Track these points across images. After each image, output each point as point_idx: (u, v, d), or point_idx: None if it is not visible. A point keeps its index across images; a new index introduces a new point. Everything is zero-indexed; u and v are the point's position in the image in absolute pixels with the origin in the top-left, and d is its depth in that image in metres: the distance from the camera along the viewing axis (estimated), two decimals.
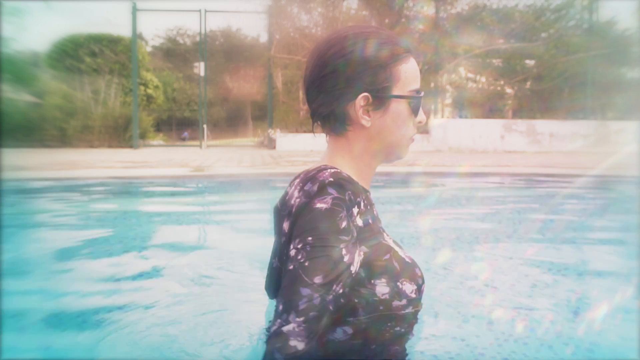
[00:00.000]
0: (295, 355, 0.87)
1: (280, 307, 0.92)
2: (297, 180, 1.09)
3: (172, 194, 4.92)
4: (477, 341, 1.22)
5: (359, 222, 1.05)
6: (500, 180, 5.95)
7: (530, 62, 14.54)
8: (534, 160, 8.74)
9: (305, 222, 0.99)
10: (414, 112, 1.14)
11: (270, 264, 1.15)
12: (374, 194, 1.18)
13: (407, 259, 1.12)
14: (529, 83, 14.60)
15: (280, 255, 1.08)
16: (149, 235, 2.89)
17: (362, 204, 1.07)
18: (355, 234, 1.02)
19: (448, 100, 15.53)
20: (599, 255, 2.34)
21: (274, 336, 0.88)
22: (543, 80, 13.96)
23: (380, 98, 1.10)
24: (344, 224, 1.00)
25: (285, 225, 1.05)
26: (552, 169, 7.00)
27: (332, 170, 1.05)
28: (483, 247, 2.33)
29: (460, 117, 14.83)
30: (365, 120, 1.10)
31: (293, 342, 0.88)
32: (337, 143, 1.15)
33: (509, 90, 15.08)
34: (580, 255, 2.33)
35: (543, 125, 12.25)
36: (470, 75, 15.29)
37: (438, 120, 12.57)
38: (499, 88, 15.04)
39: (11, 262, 2.07)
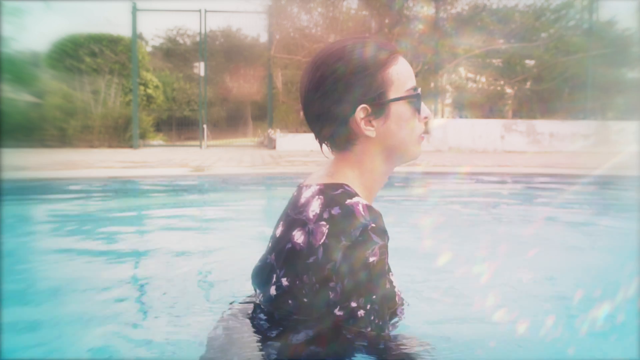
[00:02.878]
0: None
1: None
2: (316, 189, 1.08)
3: (172, 194, 4.92)
4: (476, 342, 1.22)
5: None
6: (501, 180, 5.94)
7: (530, 63, 14.51)
8: (534, 161, 8.73)
9: (362, 277, 1.00)
10: (416, 109, 1.13)
11: (265, 258, 1.13)
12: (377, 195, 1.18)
13: (394, 282, 1.15)
14: (529, 83, 14.58)
15: (286, 260, 1.06)
16: (147, 235, 2.89)
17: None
18: None
19: (448, 101, 15.53)
20: (599, 255, 2.34)
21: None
22: (543, 80, 13.94)
23: (378, 105, 1.09)
24: (387, 267, 1.07)
25: (299, 236, 1.04)
26: (552, 169, 7.00)
27: (363, 203, 1.05)
28: (481, 249, 2.33)
29: (461, 117, 14.82)
30: (370, 131, 1.09)
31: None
32: (344, 157, 1.14)
33: (509, 91, 15.07)
34: (580, 255, 2.32)
35: (543, 126, 12.25)
36: (470, 75, 15.28)
37: (438, 121, 12.56)
38: (499, 88, 15.02)
39: (8, 263, 2.07)
